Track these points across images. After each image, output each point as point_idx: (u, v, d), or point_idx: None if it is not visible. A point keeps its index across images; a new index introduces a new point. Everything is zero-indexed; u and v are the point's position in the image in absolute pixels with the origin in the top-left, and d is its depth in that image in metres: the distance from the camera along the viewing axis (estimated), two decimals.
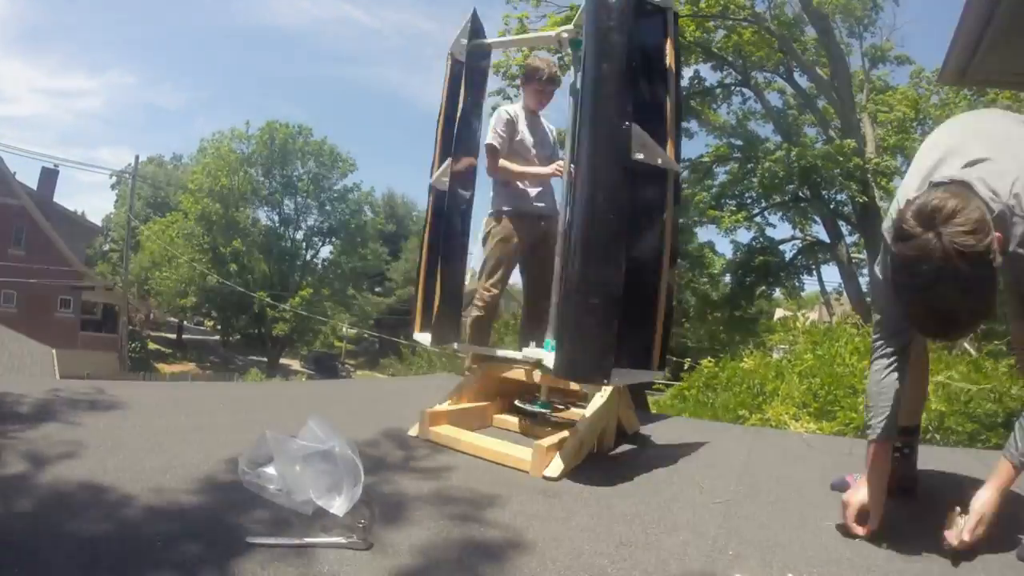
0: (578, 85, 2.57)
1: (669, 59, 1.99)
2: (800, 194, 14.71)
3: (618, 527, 1.37)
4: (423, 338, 2.47)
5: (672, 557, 1.22)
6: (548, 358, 2.15)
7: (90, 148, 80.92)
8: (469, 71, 2.43)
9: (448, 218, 2.41)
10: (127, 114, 77.83)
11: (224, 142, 30.85)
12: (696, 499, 1.63)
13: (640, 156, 1.82)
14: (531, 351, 2.39)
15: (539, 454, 1.76)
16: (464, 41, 2.46)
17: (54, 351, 15.30)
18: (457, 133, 2.38)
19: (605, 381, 1.81)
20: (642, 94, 1.89)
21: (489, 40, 2.58)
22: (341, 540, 1.14)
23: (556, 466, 1.76)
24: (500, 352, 2.61)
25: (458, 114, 2.38)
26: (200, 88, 78.77)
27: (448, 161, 2.38)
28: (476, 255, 2.81)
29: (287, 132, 30.98)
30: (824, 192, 14.20)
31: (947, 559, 1.28)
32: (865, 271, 14.41)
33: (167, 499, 1.30)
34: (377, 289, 36.81)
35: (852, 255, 14.86)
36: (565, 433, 1.92)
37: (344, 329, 32.69)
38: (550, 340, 2.30)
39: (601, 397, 2.03)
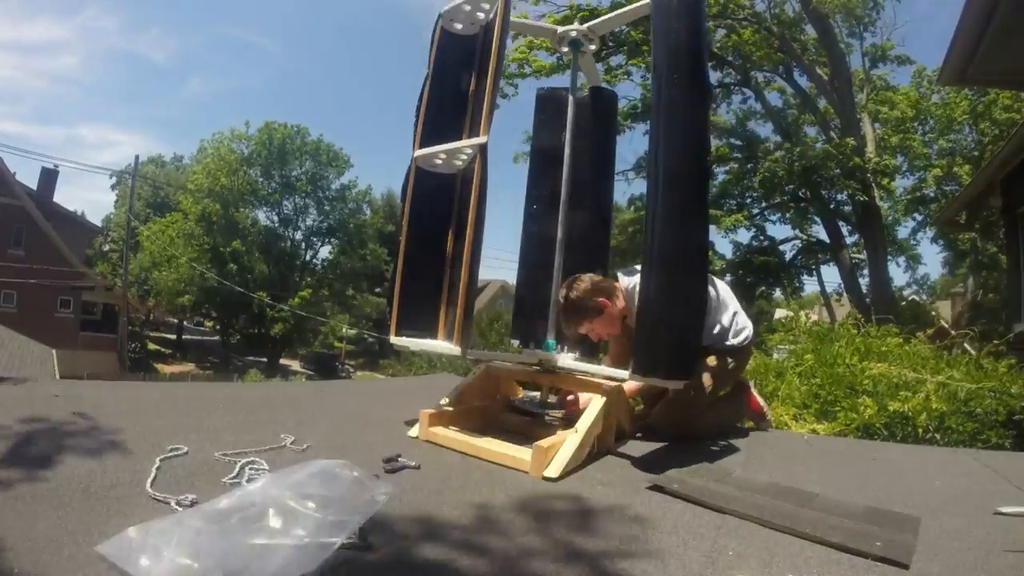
0: (578, 85, 2.58)
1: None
2: (800, 194, 14.72)
3: (618, 527, 1.37)
4: (410, 343, 2.16)
5: (672, 557, 1.22)
6: (563, 359, 2.27)
7: (70, 125, 71.74)
8: (481, 45, 2.18)
9: (445, 207, 2.14)
10: (110, 76, 65.68)
11: (223, 142, 30.94)
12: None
13: (710, 159, 1.99)
14: (531, 352, 2.40)
15: (539, 454, 1.75)
16: (467, 8, 2.22)
17: (54, 351, 15.32)
18: (470, 113, 2.14)
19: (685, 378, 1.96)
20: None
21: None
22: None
23: (556, 466, 1.75)
24: (502, 357, 2.59)
25: (468, 92, 2.16)
26: (190, 32, 64.82)
27: (475, 142, 2.02)
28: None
29: (285, 132, 31.10)
30: (824, 192, 14.22)
31: (947, 558, 1.28)
32: (866, 271, 14.43)
33: (167, 499, 1.29)
34: (377, 289, 36.80)
35: (852, 255, 14.87)
36: (565, 434, 1.91)
37: (344, 329, 32.69)
38: (551, 340, 2.32)
39: (600, 398, 2.03)
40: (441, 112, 2.22)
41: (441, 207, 2.16)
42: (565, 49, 2.53)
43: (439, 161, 2.13)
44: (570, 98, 2.44)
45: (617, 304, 2.31)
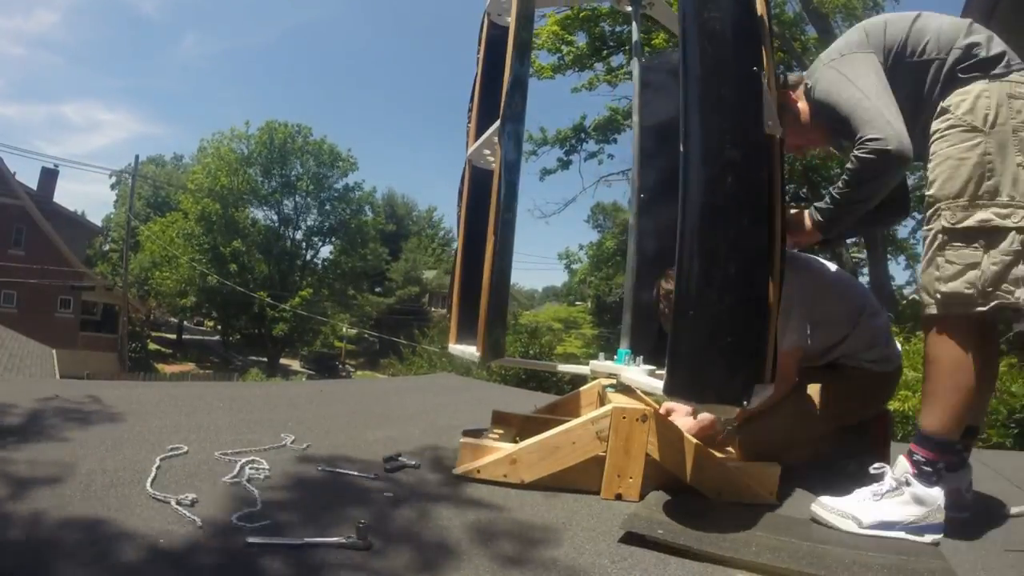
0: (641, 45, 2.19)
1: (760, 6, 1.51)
2: (800, 194, 14.71)
3: (618, 527, 1.37)
4: (463, 351, 1.98)
5: (672, 556, 1.22)
6: (631, 373, 1.77)
7: (55, 101, 66.34)
8: (516, 38, 1.88)
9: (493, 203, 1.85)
10: (95, 37, 59.34)
11: (224, 142, 30.93)
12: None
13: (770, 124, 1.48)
14: (600, 364, 2.00)
15: (467, 450, 1.70)
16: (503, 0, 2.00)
17: (54, 351, 15.28)
18: (503, 108, 1.82)
19: (744, 403, 1.32)
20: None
21: None
22: (341, 540, 1.14)
23: (462, 465, 1.69)
24: (561, 367, 2.50)
25: (504, 87, 1.84)
26: None
27: (493, 129, 1.85)
28: None
29: (286, 132, 31.06)
30: (824, 191, 14.20)
31: (948, 558, 1.28)
32: (865, 271, 14.42)
33: (167, 498, 1.29)
34: (377, 289, 36.82)
35: (852, 255, 14.87)
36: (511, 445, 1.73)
37: (344, 329, 32.69)
38: (625, 350, 1.89)
39: (601, 415, 1.66)
40: (492, 108, 1.99)
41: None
42: (628, 9, 2.17)
43: (489, 152, 1.91)
44: (634, 60, 2.17)
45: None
